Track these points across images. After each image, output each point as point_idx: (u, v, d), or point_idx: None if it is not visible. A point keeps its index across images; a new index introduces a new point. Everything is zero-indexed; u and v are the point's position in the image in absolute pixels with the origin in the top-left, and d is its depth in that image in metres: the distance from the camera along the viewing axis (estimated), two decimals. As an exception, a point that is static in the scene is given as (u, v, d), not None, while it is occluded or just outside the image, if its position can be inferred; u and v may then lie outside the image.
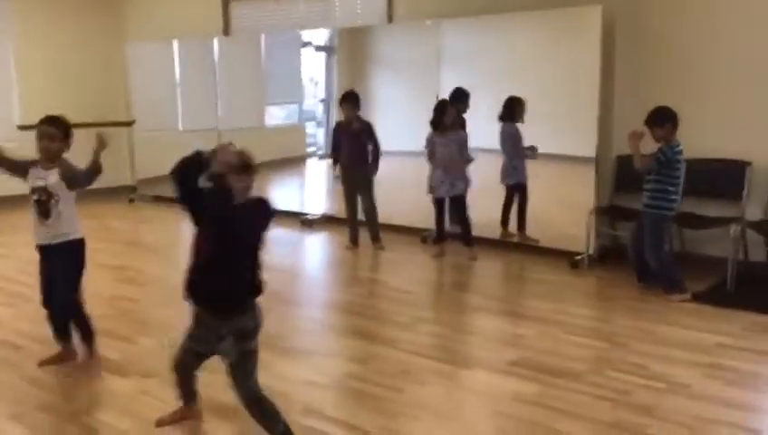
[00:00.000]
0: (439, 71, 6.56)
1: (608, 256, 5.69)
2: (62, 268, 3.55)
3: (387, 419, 3.08)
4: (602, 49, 5.49)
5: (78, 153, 3.57)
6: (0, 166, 3.51)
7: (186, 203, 2.62)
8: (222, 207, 2.58)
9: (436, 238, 6.15)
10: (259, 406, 2.73)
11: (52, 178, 3.45)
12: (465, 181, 5.85)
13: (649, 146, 4.73)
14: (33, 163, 3.50)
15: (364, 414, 3.12)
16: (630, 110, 5.50)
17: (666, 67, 5.52)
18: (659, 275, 4.83)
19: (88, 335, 3.73)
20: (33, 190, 3.48)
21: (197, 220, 2.67)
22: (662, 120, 4.67)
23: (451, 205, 6.01)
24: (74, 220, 3.57)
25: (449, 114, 5.83)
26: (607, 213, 5.75)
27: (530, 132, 5.93)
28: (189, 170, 2.59)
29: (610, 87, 5.66)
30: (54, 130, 3.45)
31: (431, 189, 5.96)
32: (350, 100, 6.25)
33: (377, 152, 6.29)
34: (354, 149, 6.27)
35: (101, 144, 3.52)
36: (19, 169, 3.52)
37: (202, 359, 2.87)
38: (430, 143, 5.92)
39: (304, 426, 3.03)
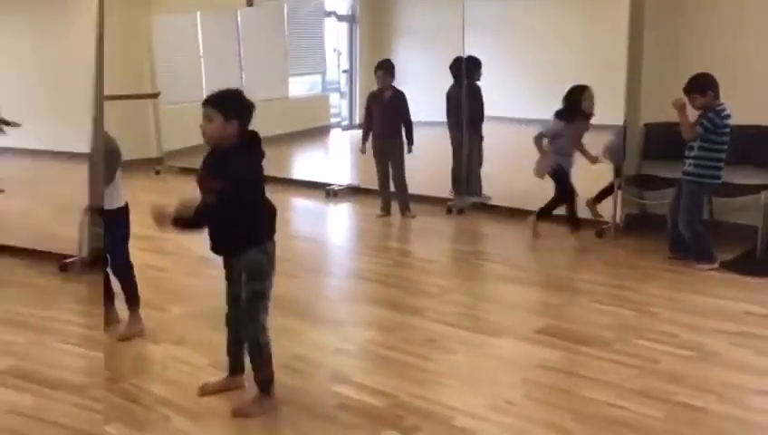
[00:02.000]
0: (464, 39, 6.47)
1: (635, 225, 5.65)
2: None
3: (415, 386, 3.12)
4: (631, 12, 5.37)
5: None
6: None
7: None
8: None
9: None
10: (258, 348, 2.89)
11: None
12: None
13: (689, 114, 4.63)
14: None
15: (393, 381, 3.16)
16: (659, 76, 5.42)
17: (697, 32, 5.39)
18: (691, 247, 4.76)
19: (135, 299, 3.85)
20: None
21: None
22: (704, 87, 4.54)
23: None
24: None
25: (588, 96, 5.33)
26: (634, 182, 5.69)
27: (556, 103, 5.85)
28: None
29: (639, 53, 5.55)
30: None
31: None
32: (384, 68, 6.21)
33: (409, 127, 6.24)
34: (386, 118, 6.24)
35: None
36: None
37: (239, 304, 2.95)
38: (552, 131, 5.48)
39: (334, 392, 3.08)
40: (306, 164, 8.04)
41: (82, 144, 4.97)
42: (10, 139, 4.91)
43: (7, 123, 4.87)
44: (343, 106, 8.29)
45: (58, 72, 5.05)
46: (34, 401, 3.09)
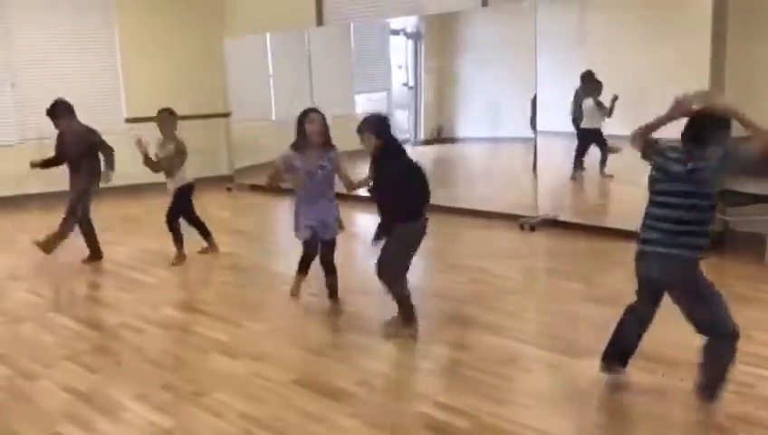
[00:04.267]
0: (537, 55, 6.37)
1: (718, 243, 5.42)
2: None
3: (498, 406, 3.04)
4: (713, 25, 5.20)
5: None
6: None
7: None
8: None
9: None
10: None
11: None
12: None
13: None
14: None
15: (475, 401, 3.09)
16: (741, 90, 5.22)
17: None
18: None
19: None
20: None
21: None
22: None
23: None
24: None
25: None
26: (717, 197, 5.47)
27: (635, 119, 5.68)
28: None
29: (721, 65, 5.36)
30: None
31: None
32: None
33: None
34: None
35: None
36: None
37: None
38: None
39: (417, 411, 3.03)
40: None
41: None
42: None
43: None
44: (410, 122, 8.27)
45: (672, 61, 5.50)
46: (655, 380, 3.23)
